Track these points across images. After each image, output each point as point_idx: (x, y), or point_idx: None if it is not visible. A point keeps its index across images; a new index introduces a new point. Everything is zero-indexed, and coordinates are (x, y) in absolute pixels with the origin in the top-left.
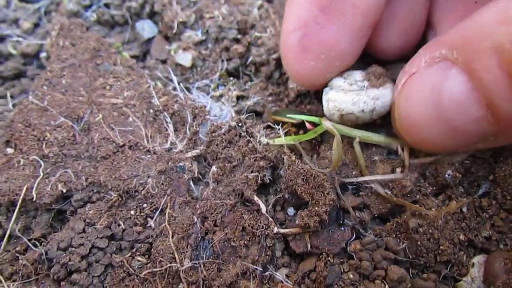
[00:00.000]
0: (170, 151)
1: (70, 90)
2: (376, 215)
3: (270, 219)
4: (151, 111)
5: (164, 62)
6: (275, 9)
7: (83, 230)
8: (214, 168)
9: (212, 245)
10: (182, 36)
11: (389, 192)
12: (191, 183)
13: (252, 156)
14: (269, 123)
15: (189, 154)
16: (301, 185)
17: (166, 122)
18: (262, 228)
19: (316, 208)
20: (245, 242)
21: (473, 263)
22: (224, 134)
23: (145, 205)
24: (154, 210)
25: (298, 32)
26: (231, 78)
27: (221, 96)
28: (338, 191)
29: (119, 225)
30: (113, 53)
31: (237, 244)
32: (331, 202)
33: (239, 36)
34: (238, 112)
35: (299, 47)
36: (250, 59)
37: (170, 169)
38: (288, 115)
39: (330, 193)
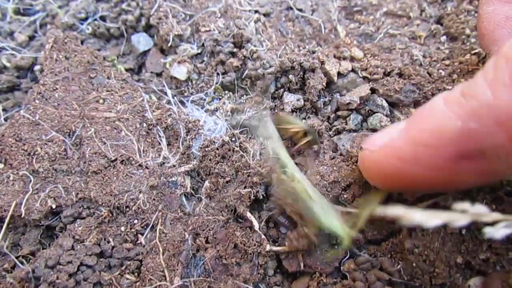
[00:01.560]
0: (162, 166)
1: (62, 103)
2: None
3: (263, 236)
4: (144, 125)
5: (159, 75)
6: (271, 23)
7: (72, 247)
8: (207, 183)
9: (203, 263)
10: (178, 49)
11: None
12: (183, 198)
13: (245, 171)
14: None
15: (182, 169)
16: (290, 204)
17: (159, 136)
18: (255, 245)
19: (306, 230)
20: (237, 260)
21: (469, 285)
22: (217, 149)
23: (135, 221)
24: (145, 227)
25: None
26: (226, 92)
27: (216, 109)
28: None
29: (108, 241)
30: (107, 67)
31: (228, 262)
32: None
33: (235, 50)
34: (233, 126)
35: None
36: (246, 72)
37: (162, 184)
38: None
39: None
